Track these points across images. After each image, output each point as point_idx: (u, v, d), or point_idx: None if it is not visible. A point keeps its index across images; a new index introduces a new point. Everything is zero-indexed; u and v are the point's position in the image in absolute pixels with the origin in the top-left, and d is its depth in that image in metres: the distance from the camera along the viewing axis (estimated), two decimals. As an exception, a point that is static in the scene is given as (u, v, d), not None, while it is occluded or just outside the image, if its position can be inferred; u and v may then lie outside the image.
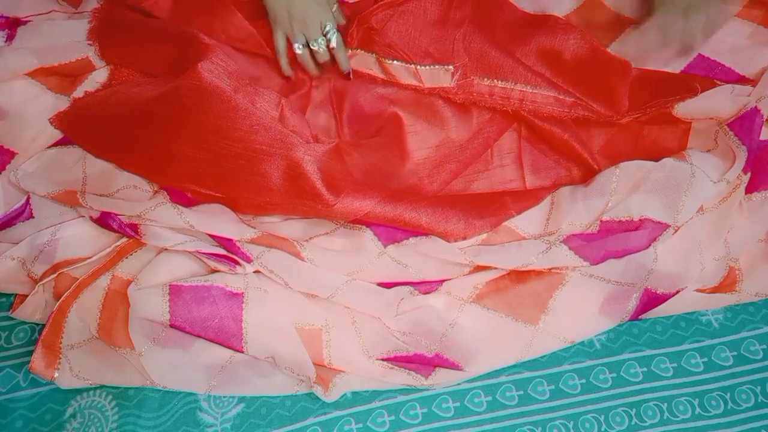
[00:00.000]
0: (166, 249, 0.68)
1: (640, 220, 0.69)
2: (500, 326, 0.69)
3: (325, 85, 0.78)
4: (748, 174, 0.71)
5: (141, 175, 0.72)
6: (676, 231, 0.70)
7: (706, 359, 0.70)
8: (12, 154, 0.74)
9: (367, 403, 0.68)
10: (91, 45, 0.76)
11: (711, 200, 0.71)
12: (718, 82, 0.76)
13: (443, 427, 0.67)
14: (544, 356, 0.70)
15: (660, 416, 0.67)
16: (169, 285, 0.65)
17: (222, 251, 0.68)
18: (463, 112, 0.76)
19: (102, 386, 0.68)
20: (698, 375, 0.69)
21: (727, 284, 0.72)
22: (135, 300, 0.65)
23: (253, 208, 0.72)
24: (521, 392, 0.68)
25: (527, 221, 0.71)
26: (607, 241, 0.69)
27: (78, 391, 0.68)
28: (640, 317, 0.71)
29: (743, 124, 0.72)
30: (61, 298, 0.67)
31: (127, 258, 0.69)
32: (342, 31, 0.75)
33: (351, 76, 0.76)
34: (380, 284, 0.69)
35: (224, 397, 0.68)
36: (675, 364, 0.70)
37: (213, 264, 0.68)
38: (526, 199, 0.73)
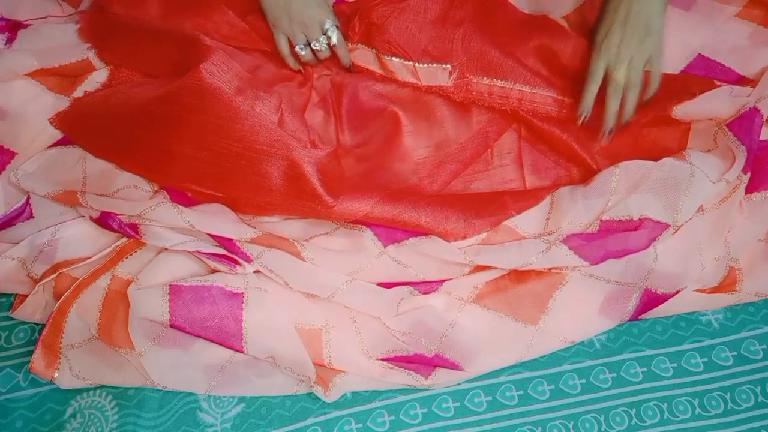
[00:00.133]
0: (166, 249, 0.69)
1: (639, 219, 0.69)
2: (500, 326, 0.69)
3: (325, 80, 0.78)
4: (748, 174, 0.71)
5: (141, 175, 0.72)
6: (676, 231, 0.70)
7: (706, 359, 0.70)
8: (12, 154, 0.74)
9: (367, 403, 0.68)
10: (90, 48, 0.76)
11: (711, 200, 0.71)
12: (718, 83, 0.76)
13: (443, 427, 0.67)
14: (544, 356, 0.70)
15: (660, 416, 0.67)
16: (169, 285, 0.65)
17: (222, 251, 0.68)
18: (463, 112, 0.76)
19: (102, 386, 0.68)
20: (698, 375, 0.69)
21: (727, 284, 0.72)
22: (135, 300, 0.65)
23: (253, 208, 0.72)
24: (521, 392, 0.68)
25: (527, 221, 0.71)
26: (607, 240, 0.69)
27: (78, 391, 0.68)
28: (640, 317, 0.71)
29: (743, 124, 0.72)
30: (61, 298, 0.67)
31: (127, 258, 0.69)
32: (343, 25, 0.75)
33: (352, 68, 0.77)
34: (380, 284, 0.69)
35: (224, 397, 0.68)
36: (675, 364, 0.70)
37: (213, 264, 0.68)
38: (525, 199, 0.73)
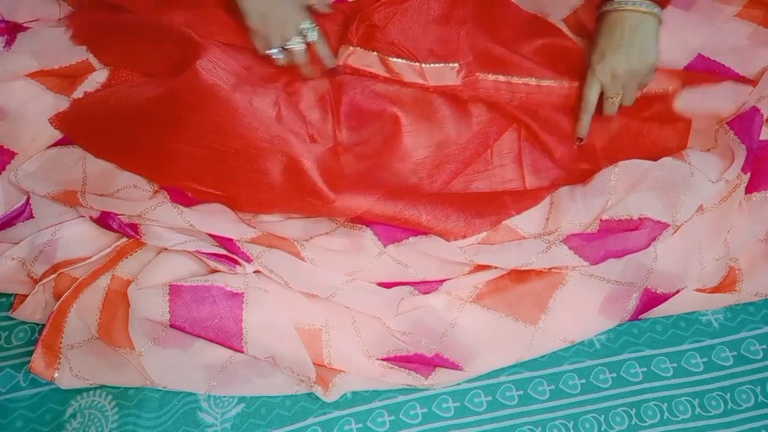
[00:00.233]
0: (166, 249, 0.68)
1: (639, 219, 0.69)
2: (500, 326, 0.69)
3: (324, 80, 0.78)
4: (748, 174, 0.71)
5: (141, 175, 0.72)
6: (676, 230, 0.70)
7: (706, 359, 0.70)
8: (12, 154, 0.74)
9: (367, 403, 0.68)
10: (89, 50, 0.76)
11: (711, 200, 0.71)
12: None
13: (443, 427, 0.67)
14: (544, 356, 0.70)
15: (660, 416, 0.67)
16: (169, 285, 0.65)
17: (222, 251, 0.68)
18: (463, 112, 0.76)
19: (102, 386, 0.68)
20: (698, 375, 0.69)
21: (727, 284, 0.72)
22: (135, 300, 0.65)
23: (253, 206, 0.72)
24: (521, 392, 0.68)
25: (527, 220, 0.72)
26: (606, 240, 0.69)
27: (78, 391, 0.68)
28: (640, 317, 0.71)
29: (743, 123, 0.72)
30: (61, 298, 0.67)
31: (127, 258, 0.69)
32: (342, 26, 0.75)
33: (339, 69, 0.75)
34: (380, 284, 0.69)
35: (224, 397, 0.68)
36: (675, 364, 0.70)
37: (213, 264, 0.68)
38: (525, 199, 0.73)
